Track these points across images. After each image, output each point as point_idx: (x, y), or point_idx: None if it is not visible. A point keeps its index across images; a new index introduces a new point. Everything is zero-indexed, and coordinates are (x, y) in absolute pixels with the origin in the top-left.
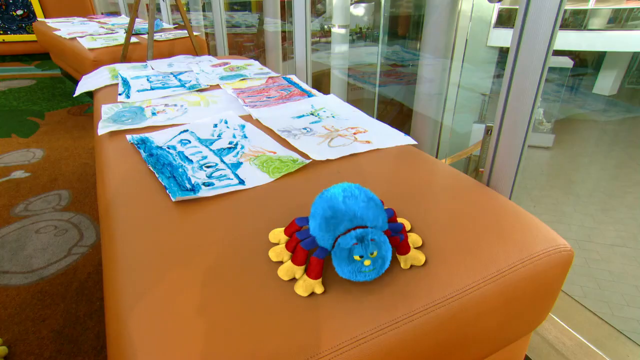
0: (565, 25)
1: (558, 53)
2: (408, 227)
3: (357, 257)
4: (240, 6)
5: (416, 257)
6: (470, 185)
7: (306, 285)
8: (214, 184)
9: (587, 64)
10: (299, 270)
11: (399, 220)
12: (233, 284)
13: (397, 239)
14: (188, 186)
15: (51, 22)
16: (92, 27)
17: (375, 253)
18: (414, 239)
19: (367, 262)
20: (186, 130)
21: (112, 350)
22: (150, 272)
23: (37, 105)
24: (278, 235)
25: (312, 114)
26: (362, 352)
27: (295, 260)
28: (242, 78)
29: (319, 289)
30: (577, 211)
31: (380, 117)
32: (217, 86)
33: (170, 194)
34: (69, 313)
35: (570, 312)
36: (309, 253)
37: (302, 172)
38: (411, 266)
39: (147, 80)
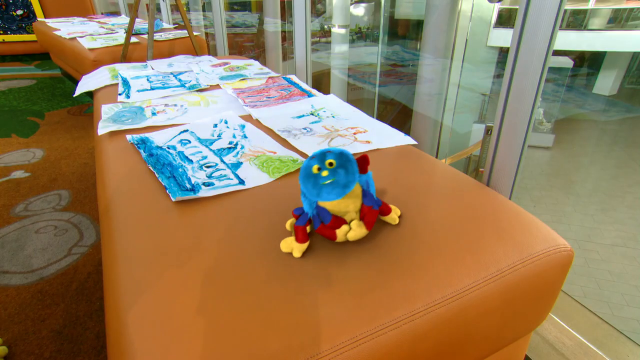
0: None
1: (558, 53)
2: (398, 212)
3: (315, 169)
4: (240, 6)
5: (394, 216)
6: (470, 185)
7: (288, 244)
8: (214, 184)
9: (587, 64)
10: (297, 247)
11: (392, 207)
12: (233, 284)
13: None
14: (188, 186)
15: (51, 22)
16: (92, 27)
17: (333, 163)
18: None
19: (324, 173)
20: (186, 130)
21: (112, 350)
22: (150, 272)
23: (37, 105)
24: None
25: (312, 114)
26: (362, 352)
27: (296, 238)
28: (242, 78)
29: (297, 252)
30: (577, 211)
31: (380, 117)
32: (217, 86)
33: (170, 194)
34: (69, 313)
35: (570, 312)
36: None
37: None
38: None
39: (147, 80)
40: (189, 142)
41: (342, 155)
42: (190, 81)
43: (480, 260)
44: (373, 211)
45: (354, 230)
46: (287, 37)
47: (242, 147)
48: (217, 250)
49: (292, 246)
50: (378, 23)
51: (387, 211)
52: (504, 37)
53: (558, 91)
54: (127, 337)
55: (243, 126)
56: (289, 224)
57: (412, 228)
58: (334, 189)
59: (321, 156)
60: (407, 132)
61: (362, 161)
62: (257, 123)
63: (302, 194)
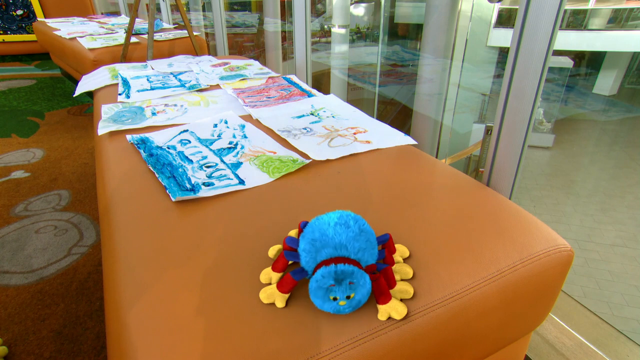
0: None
1: (558, 53)
2: (406, 254)
3: (332, 298)
4: (240, 6)
5: (395, 308)
6: (470, 185)
7: (269, 294)
8: (214, 184)
9: (587, 64)
10: (281, 296)
11: (397, 246)
12: (233, 284)
13: (379, 282)
14: (188, 186)
15: (51, 22)
16: (92, 27)
17: (352, 295)
18: (404, 270)
19: (342, 303)
20: (186, 130)
21: (112, 350)
22: (150, 272)
23: (37, 105)
24: (268, 274)
25: (312, 114)
26: (362, 352)
27: (280, 287)
28: (242, 78)
29: (280, 303)
30: (577, 211)
31: (380, 117)
32: (217, 86)
33: (170, 194)
34: (69, 313)
35: (570, 312)
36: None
37: (302, 172)
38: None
39: (147, 80)
40: (189, 142)
41: (362, 287)
42: (190, 81)
43: (480, 260)
44: (381, 285)
45: (381, 314)
46: (287, 37)
47: (242, 147)
48: (217, 250)
49: (274, 296)
50: (378, 23)
51: (392, 284)
52: (504, 37)
53: (558, 91)
54: (127, 337)
55: (243, 126)
56: (274, 251)
57: (412, 228)
58: (345, 310)
59: (341, 287)
60: (407, 132)
61: (379, 289)
62: (257, 123)
63: (305, 251)
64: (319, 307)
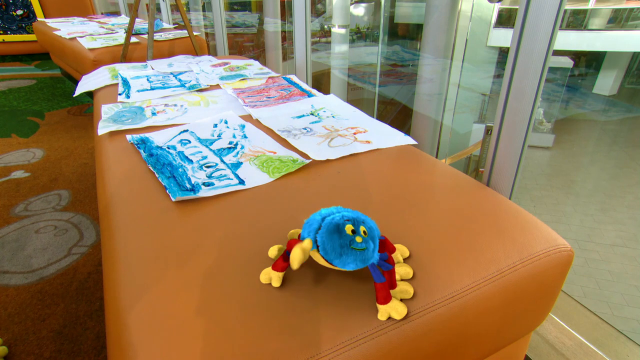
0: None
1: (558, 53)
2: (406, 254)
3: (349, 228)
4: (240, 6)
5: (395, 308)
6: (470, 185)
7: (280, 275)
8: (214, 184)
9: (587, 64)
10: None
11: (397, 246)
12: (233, 284)
13: (384, 283)
14: (188, 186)
15: (51, 22)
16: (92, 27)
17: (366, 232)
18: (404, 270)
19: (358, 239)
20: (186, 130)
21: (112, 350)
22: (150, 272)
23: (37, 105)
24: (268, 274)
25: (312, 114)
26: (362, 352)
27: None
28: (242, 78)
29: (276, 282)
30: (577, 211)
31: (380, 117)
32: (217, 86)
33: (170, 194)
34: (69, 313)
35: (570, 312)
36: None
37: (302, 172)
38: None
39: (147, 80)
40: (189, 142)
41: (373, 229)
42: (190, 81)
43: (480, 260)
44: (383, 286)
45: (381, 314)
46: (287, 37)
47: (242, 147)
48: (217, 250)
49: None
50: (378, 23)
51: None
52: (504, 37)
53: (558, 91)
54: (127, 337)
55: (243, 126)
56: (275, 251)
57: (412, 228)
58: (359, 259)
59: (357, 221)
60: (407, 132)
61: (382, 245)
62: (257, 123)
63: (305, 230)
64: (328, 251)
